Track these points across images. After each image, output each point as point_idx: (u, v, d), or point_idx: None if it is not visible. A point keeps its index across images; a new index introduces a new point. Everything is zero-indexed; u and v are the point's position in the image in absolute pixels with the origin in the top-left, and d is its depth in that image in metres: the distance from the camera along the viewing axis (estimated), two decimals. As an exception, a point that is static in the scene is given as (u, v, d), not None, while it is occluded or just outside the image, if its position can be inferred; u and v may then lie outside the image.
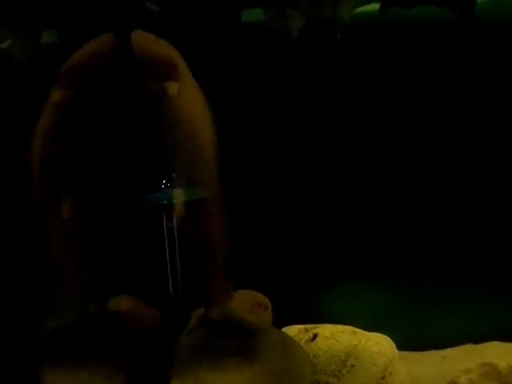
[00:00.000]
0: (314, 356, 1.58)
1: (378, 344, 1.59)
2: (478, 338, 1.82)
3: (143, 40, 1.50)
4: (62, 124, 1.52)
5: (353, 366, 1.56)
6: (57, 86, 1.52)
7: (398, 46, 1.70)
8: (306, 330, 1.65)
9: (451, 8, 1.55)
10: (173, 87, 1.48)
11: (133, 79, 1.51)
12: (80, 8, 1.71)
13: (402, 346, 1.75)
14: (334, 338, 1.60)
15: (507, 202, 1.81)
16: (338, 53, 1.65)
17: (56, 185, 1.55)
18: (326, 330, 1.63)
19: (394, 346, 1.64)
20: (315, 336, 1.62)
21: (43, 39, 1.74)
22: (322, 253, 1.87)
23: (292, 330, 1.65)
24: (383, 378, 1.58)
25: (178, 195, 1.49)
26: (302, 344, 1.59)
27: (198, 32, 1.68)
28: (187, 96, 1.50)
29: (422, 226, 1.85)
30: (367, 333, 1.65)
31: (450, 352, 1.82)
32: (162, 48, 1.51)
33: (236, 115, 1.71)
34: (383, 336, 1.65)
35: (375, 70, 1.74)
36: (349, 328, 1.65)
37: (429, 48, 1.70)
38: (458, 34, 1.66)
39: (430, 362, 1.79)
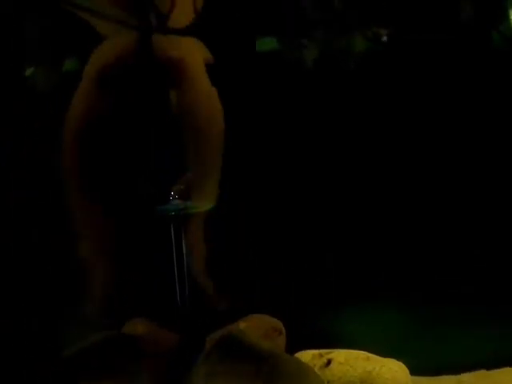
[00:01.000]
0: (328, 382, 1.59)
1: (391, 370, 1.60)
2: (492, 364, 1.83)
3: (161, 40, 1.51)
4: (92, 127, 1.56)
5: (367, 392, 1.58)
6: (85, 89, 1.55)
7: (411, 75, 1.73)
8: (320, 356, 1.65)
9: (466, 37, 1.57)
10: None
11: (149, 81, 1.54)
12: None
13: (417, 370, 1.76)
14: (348, 363, 1.61)
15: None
16: (352, 83, 1.68)
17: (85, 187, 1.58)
18: (340, 356, 1.64)
19: (407, 371, 1.65)
20: (329, 362, 1.63)
21: (65, 66, 1.78)
22: (335, 276, 1.88)
23: (306, 355, 1.66)
24: (397, 405, 1.59)
25: (187, 207, 1.50)
26: (316, 370, 1.60)
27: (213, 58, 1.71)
28: (196, 98, 1.51)
29: (436, 251, 1.86)
30: (381, 358, 1.65)
31: (464, 377, 1.82)
32: (176, 47, 1.52)
33: (248, 141, 1.74)
34: (397, 362, 1.65)
35: (389, 99, 1.76)
36: (363, 353, 1.66)
37: (442, 77, 1.73)
38: (472, 62, 1.68)
39: (445, 387, 1.79)
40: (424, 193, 1.85)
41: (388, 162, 1.84)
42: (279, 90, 1.72)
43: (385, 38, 1.53)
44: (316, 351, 1.68)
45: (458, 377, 1.83)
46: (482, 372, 1.82)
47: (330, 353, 1.66)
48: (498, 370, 1.81)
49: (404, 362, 1.66)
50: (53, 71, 1.74)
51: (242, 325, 1.66)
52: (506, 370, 1.81)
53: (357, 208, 1.86)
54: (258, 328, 1.67)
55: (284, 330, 1.73)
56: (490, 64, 1.66)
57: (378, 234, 1.88)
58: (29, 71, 1.77)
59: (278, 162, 1.81)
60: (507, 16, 1.58)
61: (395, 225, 1.87)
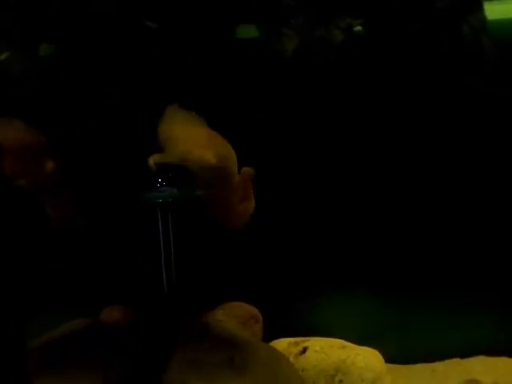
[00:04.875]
0: (303, 370, 1.60)
1: (366, 359, 1.61)
2: (465, 352, 1.85)
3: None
4: None
5: (341, 381, 1.58)
6: None
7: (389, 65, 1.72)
8: (296, 344, 1.66)
9: None
10: None
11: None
12: (77, 22, 1.72)
13: (392, 359, 1.77)
14: (323, 352, 1.62)
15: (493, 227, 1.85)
16: (331, 73, 1.67)
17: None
18: (316, 344, 1.65)
19: (382, 360, 1.66)
20: (305, 349, 1.64)
21: (41, 51, 1.76)
22: (314, 266, 1.89)
23: (282, 344, 1.67)
24: (371, 393, 1.60)
25: (174, 194, 1.49)
26: (291, 358, 1.61)
27: (193, 45, 1.70)
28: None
29: (412, 242, 1.87)
30: (356, 347, 1.66)
31: (438, 366, 1.84)
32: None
33: (228, 130, 1.73)
34: (372, 350, 1.66)
35: (369, 89, 1.76)
36: (338, 341, 1.67)
37: (413, 68, 1.72)
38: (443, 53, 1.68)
39: (419, 375, 1.81)
40: (380, 184, 1.86)
41: (373, 157, 1.85)
42: (258, 78, 1.71)
43: (358, 29, 1.52)
44: (292, 339, 1.69)
45: (432, 365, 1.85)
46: (456, 360, 1.85)
47: (306, 341, 1.67)
48: (471, 359, 1.84)
49: (380, 351, 1.67)
50: (28, 56, 1.72)
51: (219, 313, 1.67)
52: (479, 358, 1.84)
53: (330, 200, 1.87)
54: (236, 316, 1.67)
55: (261, 318, 1.73)
56: (458, 55, 1.66)
57: (356, 226, 1.88)
58: (4, 55, 1.75)
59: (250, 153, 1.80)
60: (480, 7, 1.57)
61: (372, 217, 1.88)
